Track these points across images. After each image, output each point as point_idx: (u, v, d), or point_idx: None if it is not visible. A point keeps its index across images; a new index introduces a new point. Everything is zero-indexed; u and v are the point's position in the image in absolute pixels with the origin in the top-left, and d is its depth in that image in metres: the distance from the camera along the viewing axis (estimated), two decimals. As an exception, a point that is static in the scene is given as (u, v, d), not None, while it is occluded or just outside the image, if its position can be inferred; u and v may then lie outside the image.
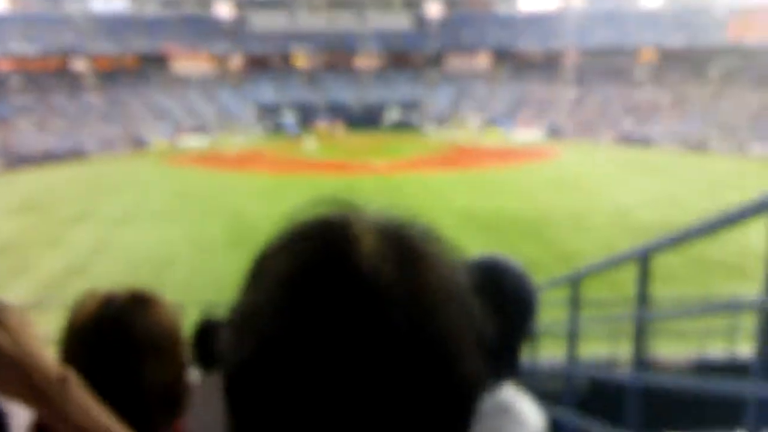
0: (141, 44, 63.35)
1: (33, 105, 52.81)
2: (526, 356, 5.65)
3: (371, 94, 67.35)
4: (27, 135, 46.78)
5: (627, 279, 4.32)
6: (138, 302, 1.25)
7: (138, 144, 50.56)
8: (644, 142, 48.35)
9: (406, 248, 0.56)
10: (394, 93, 66.99)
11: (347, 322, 0.49)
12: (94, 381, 1.09)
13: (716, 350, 7.37)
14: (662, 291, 13.57)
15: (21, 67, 57.71)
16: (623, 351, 5.78)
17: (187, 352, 1.33)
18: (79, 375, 1.10)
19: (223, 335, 0.56)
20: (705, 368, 6.76)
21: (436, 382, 0.51)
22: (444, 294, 0.54)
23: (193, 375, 3.13)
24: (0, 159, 41.07)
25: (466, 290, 0.57)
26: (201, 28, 67.35)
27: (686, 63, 59.98)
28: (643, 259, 3.01)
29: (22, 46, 56.03)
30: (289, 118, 61.25)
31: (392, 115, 64.22)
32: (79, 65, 61.54)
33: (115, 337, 1.18)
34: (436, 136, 56.50)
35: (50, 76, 58.79)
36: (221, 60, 68.29)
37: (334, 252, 0.53)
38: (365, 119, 62.55)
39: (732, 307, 4.36)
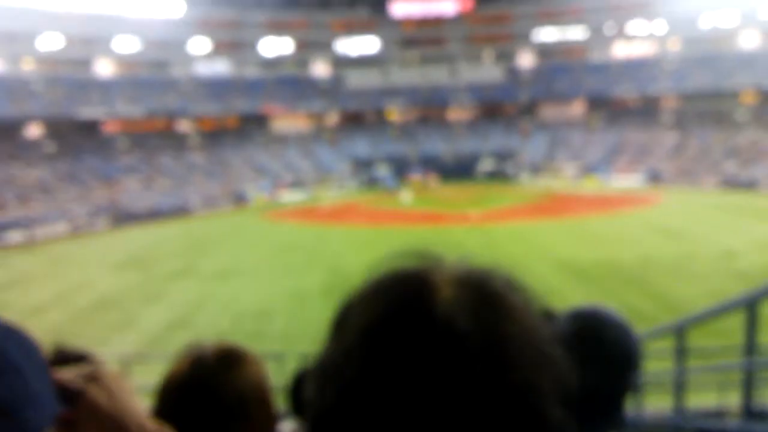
0: (242, 104, 66.15)
1: (139, 164, 55.68)
2: (631, 408, 5.46)
3: (464, 145, 67.46)
4: (133, 193, 49.28)
5: (735, 327, 4.15)
6: (225, 361, 1.27)
7: (239, 200, 52.32)
8: (748, 185, 46.25)
9: (484, 298, 0.57)
10: (487, 143, 66.90)
11: (422, 371, 0.50)
12: None
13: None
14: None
15: (128, 128, 61.24)
16: (732, 402, 5.49)
17: (275, 408, 1.33)
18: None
19: (308, 384, 0.58)
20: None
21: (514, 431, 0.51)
22: (523, 345, 0.54)
23: (290, 426, 3.20)
24: (108, 216, 43.36)
25: (548, 341, 0.57)
26: (298, 88, 69.74)
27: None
28: (751, 305, 2.90)
29: (129, 109, 59.48)
30: (384, 171, 62.07)
31: (485, 165, 64.04)
32: (184, 126, 64.79)
33: (203, 398, 1.21)
34: (530, 185, 55.92)
35: (156, 136, 62.04)
36: (318, 117, 70.34)
37: (412, 302, 0.55)
38: (458, 170, 62.59)
39: None
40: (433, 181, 58.82)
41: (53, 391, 0.91)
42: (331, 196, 54.68)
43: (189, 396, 1.22)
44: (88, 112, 56.64)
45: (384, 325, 0.54)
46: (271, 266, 26.23)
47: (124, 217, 43.77)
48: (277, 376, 7.30)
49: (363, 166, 63.87)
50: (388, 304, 0.56)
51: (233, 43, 69.07)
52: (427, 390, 0.50)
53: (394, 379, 0.51)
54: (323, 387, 0.56)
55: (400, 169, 61.38)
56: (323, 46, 72.16)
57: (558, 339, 0.52)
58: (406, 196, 47.91)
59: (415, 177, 58.53)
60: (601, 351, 1.46)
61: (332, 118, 71.04)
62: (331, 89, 70.56)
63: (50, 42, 57.94)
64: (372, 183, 61.37)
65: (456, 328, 0.52)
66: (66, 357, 2.32)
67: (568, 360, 0.58)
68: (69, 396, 0.83)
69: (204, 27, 66.77)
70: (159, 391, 1.28)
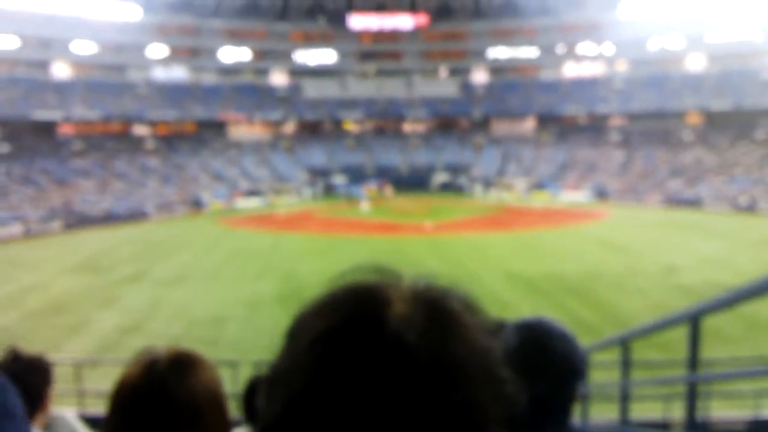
0: (199, 111, 65.45)
1: (95, 168, 54.61)
2: (577, 418, 5.55)
3: (419, 157, 67.95)
4: (88, 196, 48.29)
5: (678, 340, 4.26)
6: (178, 366, 1.26)
7: (195, 206, 51.69)
8: (691, 203, 47.51)
9: (436, 315, 0.57)
10: (441, 156, 67.48)
11: (368, 383, 0.51)
12: None
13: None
14: (714, 352, 13.18)
15: (83, 131, 60.06)
16: (676, 413, 5.63)
17: (228, 414, 1.31)
18: None
19: (259, 392, 0.59)
20: (760, 429, 6.52)
21: None
22: (470, 364, 0.54)
23: None
24: (62, 219, 42.39)
25: (497, 362, 0.58)
26: (256, 96, 69.32)
27: (732, 125, 59.13)
28: (694, 320, 2.98)
29: (85, 112, 58.32)
30: (342, 180, 62.15)
31: (439, 177, 64.55)
32: (140, 130, 63.80)
33: (156, 403, 1.19)
34: (483, 199, 56.49)
35: (112, 139, 60.96)
36: (275, 126, 70.02)
37: (364, 315, 0.56)
38: (413, 182, 62.96)
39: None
40: (388, 192, 59.04)
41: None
42: (287, 204, 54.48)
43: (142, 401, 1.20)
44: (43, 114, 55.38)
45: (334, 336, 0.55)
46: (226, 272, 25.96)
47: (78, 221, 42.84)
48: (231, 384, 7.22)
49: (319, 175, 63.76)
50: (340, 316, 0.56)
51: (191, 50, 68.37)
52: (371, 402, 0.50)
53: (339, 389, 0.51)
54: (272, 395, 0.57)
55: (356, 179, 61.42)
56: (282, 56, 71.92)
57: (507, 358, 0.57)
58: (365, 206, 48.11)
59: (371, 187, 58.67)
60: (546, 361, 1.48)
61: (289, 127, 70.81)
62: (289, 98, 70.32)
63: (6, 42, 56.51)
64: (329, 192, 61.38)
65: (404, 343, 0.53)
66: (20, 360, 2.28)
67: (516, 381, 0.59)
68: None
69: (161, 32, 65.90)
70: (112, 395, 1.26)
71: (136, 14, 62.92)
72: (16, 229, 39.01)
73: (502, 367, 0.58)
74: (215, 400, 1.27)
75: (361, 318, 0.56)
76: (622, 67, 68.18)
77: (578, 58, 70.11)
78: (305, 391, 0.53)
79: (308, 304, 0.61)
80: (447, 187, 62.71)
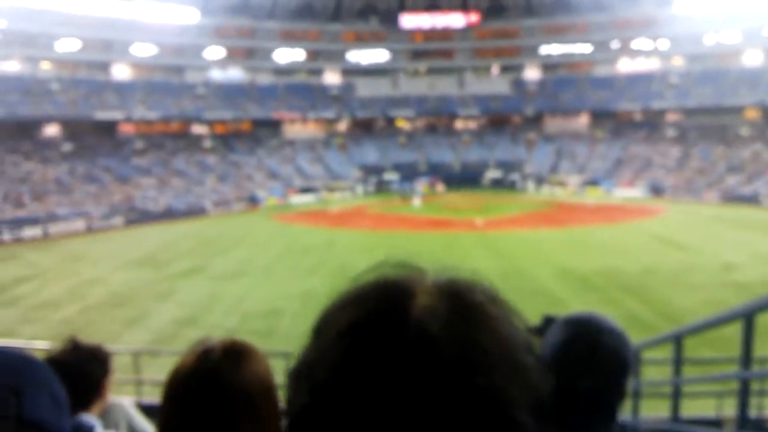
0: (255, 110, 66.38)
1: (154, 165, 55.96)
2: (628, 414, 5.44)
3: (471, 154, 67.66)
4: (148, 193, 49.49)
5: (733, 337, 4.14)
6: (232, 356, 1.27)
7: (251, 202, 52.48)
8: (749, 200, 46.07)
9: (460, 307, 0.57)
10: (493, 153, 67.03)
11: (392, 374, 0.51)
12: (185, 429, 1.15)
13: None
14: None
15: (144, 131, 61.59)
16: (730, 411, 5.48)
17: (280, 404, 1.30)
18: (177, 427, 1.16)
19: (288, 384, 0.60)
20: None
21: None
22: (495, 352, 0.55)
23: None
24: (122, 216, 43.55)
25: (522, 350, 0.58)
26: (310, 95, 69.95)
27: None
28: (747, 317, 2.89)
29: (145, 112, 59.80)
30: (393, 177, 62.34)
31: (491, 174, 64.13)
32: (198, 129, 65.03)
33: (209, 391, 1.20)
34: (535, 195, 55.90)
35: (171, 138, 62.39)
36: (328, 124, 70.53)
37: (388, 308, 0.57)
38: (465, 179, 62.66)
39: None
40: (440, 189, 58.95)
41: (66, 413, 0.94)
42: (339, 200, 54.90)
43: (194, 389, 1.22)
44: (105, 114, 56.90)
45: (358, 329, 0.56)
46: (280, 267, 26.27)
47: (138, 217, 43.98)
48: (284, 375, 7.34)
49: (372, 172, 64.00)
50: (365, 309, 0.58)
51: (247, 51, 69.33)
52: (396, 392, 0.51)
53: (365, 381, 0.52)
54: (298, 387, 0.58)
55: (408, 176, 61.45)
56: (334, 56, 72.36)
57: (534, 348, 0.57)
58: (417, 202, 48.25)
59: (423, 184, 58.67)
60: (596, 357, 1.45)
61: (342, 126, 71.26)
62: (342, 97, 70.75)
63: (68, 44, 58.22)
64: (381, 189, 61.64)
65: (427, 334, 0.53)
66: (79, 349, 2.35)
67: (543, 369, 0.59)
68: None
69: (218, 34, 66.98)
70: (166, 384, 1.28)
71: (193, 17, 64.09)
72: (79, 224, 40.27)
73: (527, 354, 0.58)
74: (267, 390, 1.28)
75: (385, 311, 0.56)
76: (677, 62, 66.44)
77: (633, 54, 68.56)
78: (331, 383, 0.53)
79: (334, 299, 0.63)
80: (499, 184, 62.25)
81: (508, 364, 0.55)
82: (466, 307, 0.58)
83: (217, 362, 1.25)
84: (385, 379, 0.51)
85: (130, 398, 6.72)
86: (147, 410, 3.55)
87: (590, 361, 1.44)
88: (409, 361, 0.52)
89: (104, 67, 61.37)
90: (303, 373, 0.58)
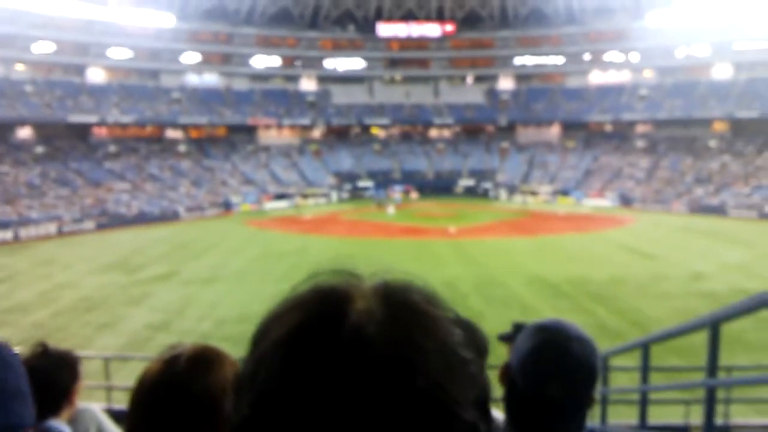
0: (230, 116, 66.04)
1: (128, 170, 55.36)
2: (596, 421, 5.48)
3: (444, 162, 68.01)
4: (121, 198, 48.93)
5: (700, 345, 4.19)
6: (199, 363, 1.25)
7: (225, 207, 52.14)
8: (717, 211, 46.82)
9: (397, 308, 0.57)
10: (466, 162, 67.47)
11: (332, 379, 0.50)
12: None
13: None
14: (738, 359, 12.96)
15: (118, 135, 61.02)
16: (696, 418, 5.55)
17: None
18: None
19: (228, 395, 0.60)
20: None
21: None
22: (432, 351, 0.55)
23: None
24: (95, 220, 42.97)
25: (459, 348, 0.58)
26: (286, 102, 69.79)
27: (759, 133, 58.25)
28: (713, 326, 2.93)
29: (119, 115, 59.08)
30: (367, 184, 62.41)
31: (464, 182, 64.45)
32: (173, 134, 64.55)
33: (175, 399, 1.19)
34: (507, 204, 56.27)
35: (145, 143, 61.84)
36: (304, 130, 70.40)
37: (324, 314, 0.56)
38: (439, 187, 62.95)
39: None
40: (414, 196, 59.11)
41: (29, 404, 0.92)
42: (314, 206, 54.82)
43: (160, 395, 1.20)
44: (78, 117, 56.20)
45: (295, 336, 0.55)
46: (254, 272, 26.09)
47: (111, 221, 43.42)
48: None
49: (346, 179, 63.97)
50: (301, 317, 0.57)
51: (224, 56, 68.99)
52: (335, 398, 0.50)
53: (304, 387, 0.51)
54: (238, 399, 0.57)
55: (383, 183, 61.56)
56: (311, 62, 72.33)
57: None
58: (391, 209, 48.34)
59: (397, 191, 58.77)
60: (563, 364, 1.45)
61: (318, 132, 71.17)
62: (318, 104, 70.70)
63: (43, 47, 57.42)
64: (356, 196, 61.71)
65: (364, 336, 0.53)
66: (48, 355, 2.30)
67: (480, 366, 0.59)
68: None
69: (194, 39, 66.55)
70: (133, 390, 1.26)
71: (169, 21, 63.66)
72: (50, 228, 39.66)
73: (465, 350, 0.58)
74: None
75: (321, 317, 0.56)
76: (648, 74, 67.43)
77: (604, 66, 69.48)
78: (270, 391, 0.53)
79: (271, 308, 0.62)
80: (472, 192, 62.55)
81: (447, 362, 0.55)
82: (402, 308, 0.58)
83: (183, 369, 1.23)
84: (323, 386, 0.51)
85: (99, 404, 6.62)
86: (117, 416, 3.49)
87: (559, 369, 1.44)
88: (347, 366, 0.51)
89: (79, 70, 60.65)
90: (242, 385, 0.57)
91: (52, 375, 2.18)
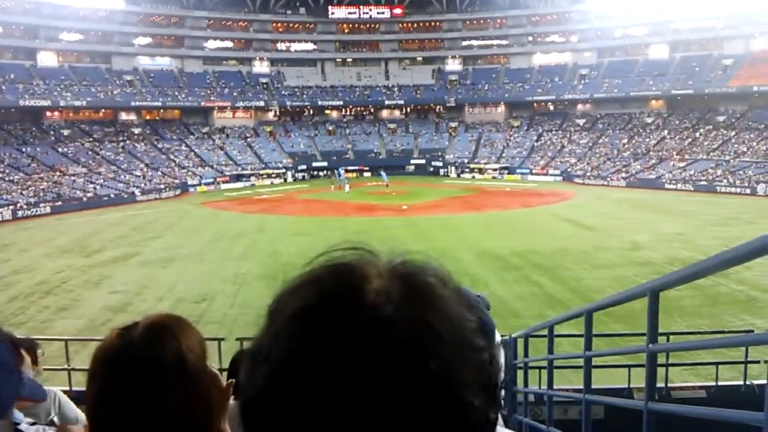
0: (184, 98, 64.67)
1: (82, 153, 53.93)
2: (543, 386, 5.57)
3: (396, 142, 68.03)
4: (77, 181, 47.68)
5: (640, 312, 4.26)
6: (156, 330, 1.18)
7: (181, 189, 51.27)
8: (653, 184, 47.98)
9: (412, 288, 0.56)
10: (417, 141, 67.62)
11: (349, 357, 0.50)
12: (115, 411, 1.07)
13: (730, 379, 7.20)
14: (676, 325, 13.33)
15: (72, 118, 59.39)
16: (638, 383, 5.70)
17: (214, 379, 1.22)
18: (103, 406, 1.09)
19: (241, 368, 0.58)
20: (718, 394, 6.61)
21: (436, 419, 0.51)
22: (447, 335, 0.54)
23: (230, 404, 3.13)
24: (50, 203, 41.80)
25: (472, 333, 0.57)
26: (239, 84, 68.67)
27: (693, 109, 59.76)
28: (653, 293, 2.96)
29: (72, 99, 57.47)
30: (338, 167, 62.16)
31: (415, 161, 64.62)
32: (127, 117, 63.02)
33: (132, 367, 1.12)
34: (457, 182, 56.64)
35: (99, 126, 60.27)
36: (258, 112, 69.47)
37: (342, 289, 0.55)
38: (390, 165, 62.96)
39: (739, 342, 4.27)
40: (366, 175, 59.12)
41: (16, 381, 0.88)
42: (269, 187, 54.37)
43: (118, 364, 1.14)
44: (30, 101, 54.35)
45: (312, 312, 0.54)
46: (211, 253, 25.77)
47: (66, 204, 42.27)
48: (217, 360, 7.15)
49: (301, 160, 63.47)
50: (319, 291, 0.56)
51: (176, 39, 67.38)
52: (351, 375, 0.50)
53: (320, 364, 0.51)
54: (254, 371, 0.56)
55: (335, 163, 61.31)
56: (264, 45, 71.27)
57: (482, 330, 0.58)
58: (347, 188, 48.33)
59: (350, 171, 58.58)
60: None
61: (271, 114, 70.33)
62: (271, 86, 69.80)
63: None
64: (311, 176, 61.43)
65: (381, 316, 0.53)
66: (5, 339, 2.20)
67: (490, 353, 0.59)
68: None
69: (146, 22, 64.83)
70: (91, 361, 1.19)
71: (119, 3, 61.77)
72: (5, 212, 38.45)
73: (477, 335, 0.58)
74: (195, 363, 1.20)
75: (339, 294, 0.55)
76: (588, 55, 68.32)
77: (547, 48, 70.15)
78: (286, 366, 0.52)
79: (288, 282, 0.60)
80: (423, 170, 62.74)
81: (460, 346, 0.55)
82: (418, 289, 0.57)
83: (140, 337, 1.17)
84: (341, 362, 0.50)
85: (60, 387, 6.46)
86: (78, 398, 3.39)
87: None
88: (363, 345, 0.51)
89: (30, 53, 58.46)
90: (258, 357, 0.56)
91: None
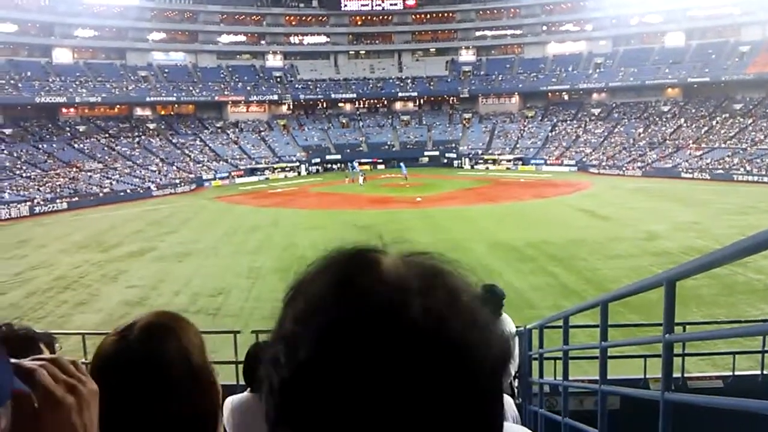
0: (198, 93, 64.89)
1: (98, 149, 54.30)
2: (559, 377, 5.55)
3: (410, 134, 67.88)
4: (93, 177, 48.02)
5: (656, 302, 4.23)
6: (153, 331, 1.19)
7: (196, 183, 51.51)
8: (669, 173, 47.56)
9: (428, 277, 0.57)
10: (431, 133, 67.42)
11: (374, 350, 0.51)
12: (113, 413, 1.07)
13: (747, 369, 7.14)
14: (692, 315, 13.22)
15: (87, 114, 59.78)
16: (655, 373, 5.66)
17: (210, 378, 1.22)
18: (103, 407, 1.09)
19: (263, 360, 0.58)
20: (735, 384, 6.56)
21: (455, 404, 0.52)
22: (467, 322, 0.55)
23: (246, 397, 3.15)
24: (67, 199, 42.15)
25: (487, 321, 0.58)
26: (253, 78, 68.78)
27: (710, 97, 59.12)
28: (669, 283, 2.94)
29: (87, 95, 57.84)
30: (353, 160, 62.15)
31: (429, 153, 64.47)
32: (142, 112, 63.34)
33: (130, 368, 1.13)
34: (471, 173, 56.47)
35: (114, 122, 60.71)
36: (272, 106, 69.54)
37: (356, 278, 0.56)
38: (405, 157, 62.83)
39: (756, 332, 4.23)
40: (380, 167, 59.07)
41: (9, 371, 0.86)
42: (284, 180, 54.49)
43: (116, 365, 1.14)
44: (46, 98, 54.74)
45: (330, 301, 0.55)
46: (227, 247, 25.89)
47: (83, 200, 42.61)
48: (233, 352, 7.17)
49: (315, 153, 63.54)
50: (335, 280, 0.57)
51: (190, 34, 67.56)
52: (378, 367, 0.50)
53: (341, 352, 0.51)
54: (276, 361, 0.56)
55: (350, 156, 61.31)
56: (277, 39, 71.31)
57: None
58: (361, 180, 48.34)
59: (365, 164, 58.62)
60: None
61: (285, 107, 70.38)
62: (285, 80, 69.84)
63: (6, 27, 55.47)
64: (326, 169, 61.53)
65: (398, 304, 0.53)
66: (13, 332, 2.21)
67: (504, 336, 0.60)
68: (24, 377, 0.83)
69: (160, 17, 65.07)
70: (90, 363, 1.19)
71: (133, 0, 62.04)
72: (22, 209, 38.83)
73: (490, 320, 0.59)
74: (195, 362, 1.20)
75: (353, 281, 0.56)
76: (603, 44, 67.72)
77: (561, 37, 69.61)
78: (313, 358, 0.52)
79: (305, 271, 0.61)
80: (437, 162, 62.61)
81: (478, 332, 0.56)
82: (433, 278, 0.58)
83: (137, 338, 1.17)
84: (366, 356, 0.51)
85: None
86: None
87: None
88: (378, 332, 0.51)
89: (45, 50, 58.86)
90: (279, 347, 0.56)
91: (16, 355, 2.09)
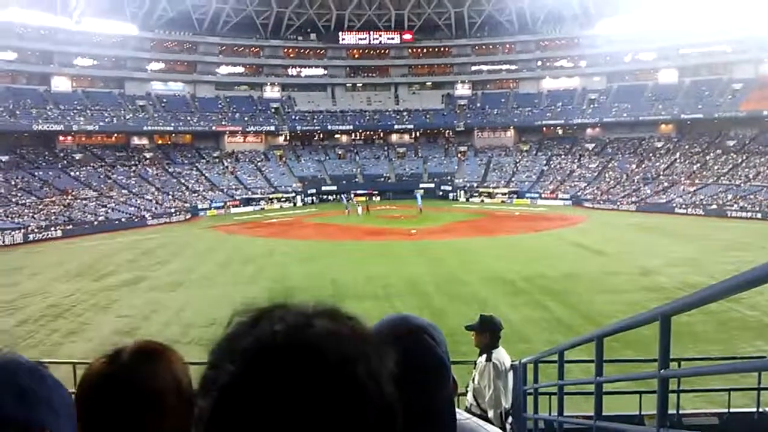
0: (196, 123, 65.21)
1: (94, 177, 54.30)
2: (554, 413, 5.50)
3: (406, 166, 68.21)
4: (88, 205, 47.96)
5: (651, 338, 4.21)
6: (140, 357, 1.19)
7: (192, 213, 51.46)
8: (663, 209, 47.75)
9: (320, 311, 0.71)
10: (426, 165, 67.75)
11: (284, 387, 0.60)
12: None
13: (743, 406, 7.09)
14: (687, 351, 13.16)
15: (84, 142, 59.79)
16: (650, 409, 5.60)
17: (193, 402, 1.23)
18: (88, 429, 1.08)
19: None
20: (731, 421, 6.50)
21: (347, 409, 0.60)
22: (359, 349, 0.65)
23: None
24: (61, 227, 42.01)
25: (378, 352, 0.67)
26: (250, 109, 69.20)
27: (703, 133, 59.68)
28: (664, 318, 2.93)
29: (85, 124, 57.89)
30: (346, 192, 62.31)
31: (425, 185, 64.69)
32: (139, 141, 63.51)
33: (116, 393, 1.13)
34: (466, 206, 56.61)
35: (111, 150, 60.78)
36: (268, 137, 69.85)
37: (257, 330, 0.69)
38: (400, 190, 63.08)
39: (752, 368, 4.21)
40: (376, 199, 59.13)
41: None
42: (279, 211, 54.47)
43: (102, 390, 1.13)
44: (44, 125, 54.89)
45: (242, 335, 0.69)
46: (221, 277, 25.76)
47: (77, 228, 42.47)
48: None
49: (310, 184, 63.71)
50: (242, 335, 0.70)
51: (189, 64, 68.12)
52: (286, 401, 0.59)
53: (252, 402, 0.60)
54: (206, 395, 0.65)
55: (345, 187, 61.48)
56: (275, 70, 71.94)
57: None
58: (359, 211, 48.35)
59: (360, 195, 58.69)
60: (408, 362, 1.10)
61: (282, 138, 70.69)
62: (282, 111, 70.28)
63: (5, 55, 55.88)
64: (322, 200, 61.57)
65: (315, 348, 0.64)
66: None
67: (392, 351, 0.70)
68: None
69: (159, 48, 65.66)
70: (77, 387, 1.19)
71: (133, 29, 62.52)
72: (16, 236, 38.69)
73: (384, 354, 0.69)
74: (178, 389, 1.20)
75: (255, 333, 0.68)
76: (597, 80, 68.52)
77: (556, 73, 70.47)
78: (230, 392, 0.62)
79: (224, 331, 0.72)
80: (432, 194, 62.78)
81: (373, 362, 0.65)
82: (330, 311, 0.71)
83: (125, 363, 1.17)
84: (277, 393, 0.59)
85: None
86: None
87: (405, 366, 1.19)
88: (292, 365, 0.61)
89: (44, 78, 59.22)
90: (207, 382, 0.66)
91: None
